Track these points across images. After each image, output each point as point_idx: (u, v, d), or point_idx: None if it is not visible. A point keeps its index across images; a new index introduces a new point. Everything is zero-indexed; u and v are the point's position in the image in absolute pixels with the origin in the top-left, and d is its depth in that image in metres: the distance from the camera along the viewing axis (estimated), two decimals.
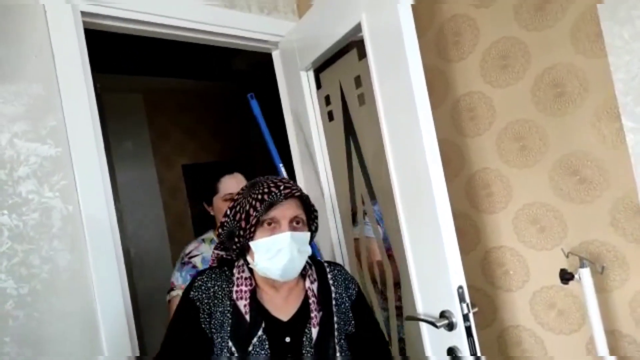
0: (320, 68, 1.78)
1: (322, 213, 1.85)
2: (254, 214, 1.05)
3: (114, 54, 2.93)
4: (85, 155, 1.32)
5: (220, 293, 1.10)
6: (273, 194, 1.06)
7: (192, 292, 1.10)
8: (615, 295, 1.29)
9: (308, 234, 1.11)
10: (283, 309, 1.11)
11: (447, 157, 1.63)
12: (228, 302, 1.08)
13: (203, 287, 1.11)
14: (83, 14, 1.37)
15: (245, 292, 1.09)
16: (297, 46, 1.81)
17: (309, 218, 1.15)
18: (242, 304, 1.07)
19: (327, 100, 1.79)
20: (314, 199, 1.89)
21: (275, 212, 1.06)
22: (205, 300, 1.08)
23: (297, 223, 1.08)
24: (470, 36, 1.54)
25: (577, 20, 1.30)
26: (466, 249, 1.63)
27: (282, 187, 1.08)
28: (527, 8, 1.40)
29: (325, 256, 1.89)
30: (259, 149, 5.05)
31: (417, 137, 1.26)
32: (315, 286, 1.14)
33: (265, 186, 1.09)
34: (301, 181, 1.98)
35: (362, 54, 1.52)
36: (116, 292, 1.34)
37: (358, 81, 1.62)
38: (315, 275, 1.17)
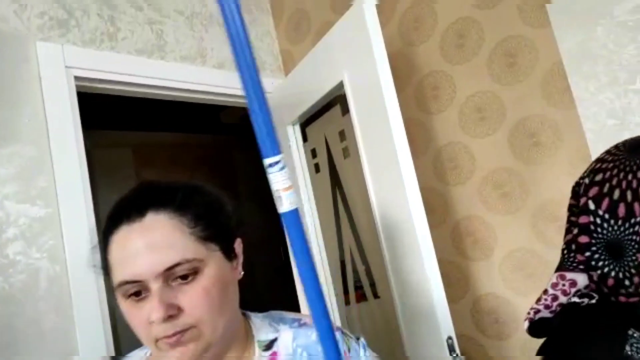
0: (306, 122, 1.85)
1: None
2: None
3: (103, 110, 3.00)
4: (74, 214, 1.33)
5: None
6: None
7: None
8: None
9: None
10: None
11: (432, 205, 1.67)
12: None
13: None
14: (77, 78, 1.42)
15: None
16: (283, 102, 1.88)
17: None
18: None
19: (314, 153, 1.84)
20: None
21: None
22: None
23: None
24: (448, 90, 1.62)
25: (546, 75, 1.39)
26: (455, 297, 1.63)
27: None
28: (499, 64, 1.48)
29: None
30: (247, 200, 5.07)
31: (400, 187, 1.30)
32: None
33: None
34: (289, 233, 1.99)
35: (346, 109, 1.59)
36: (101, 354, 1.31)
37: (342, 135, 1.68)
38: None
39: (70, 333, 1.28)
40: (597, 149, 1.30)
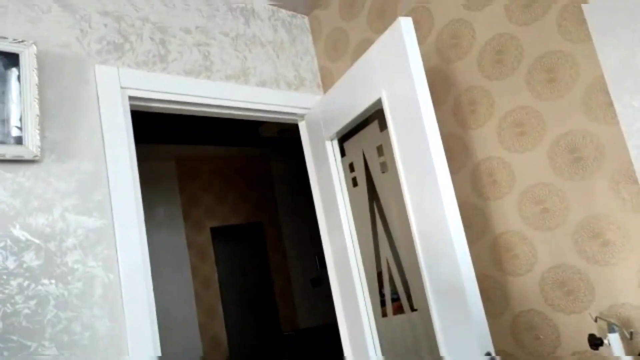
0: (344, 137, 1.89)
1: (348, 274, 1.88)
2: None
3: (149, 125, 3.15)
4: (127, 226, 1.42)
5: None
6: None
7: None
8: None
9: None
10: None
11: (470, 219, 1.67)
12: None
13: None
14: (131, 98, 1.52)
15: None
16: (322, 117, 1.94)
17: None
18: None
19: (351, 167, 1.88)
20: (340, 261, 1.94)
21: None
22: None
23: None
24: (486, 105, 1.63)
25: (587, 90, 1.38)
26: (495, 313, 1.62)
27: None
28: (539, 80, 1.48)
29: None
30: (285, 212, 5.15)
31: (437, 201, 1.32)
32: None
33: None
34: (327, 242, 2.03)
35: (384, 125, 1.62)
36: (149, 356, 1.38)
37: (380, 150, 1.71)
38: None
39: (122, 337, 1.36)
40: None
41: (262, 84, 1.92)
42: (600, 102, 1.35)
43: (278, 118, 2.03)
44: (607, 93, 1.33)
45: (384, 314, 1.87)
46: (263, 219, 4.95)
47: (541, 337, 1.51)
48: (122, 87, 1.50)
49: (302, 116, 2.08)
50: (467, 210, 1.68)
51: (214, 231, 4.58)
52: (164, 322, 3.84)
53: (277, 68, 2.00)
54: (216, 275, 4.51)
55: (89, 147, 1.43)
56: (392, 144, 1.49)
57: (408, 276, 1.70)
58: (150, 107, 1.63)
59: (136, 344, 1.36)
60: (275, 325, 4.85)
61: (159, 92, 1.59)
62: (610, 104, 1.32)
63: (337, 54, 2.13)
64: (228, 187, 4.76)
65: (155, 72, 1.61)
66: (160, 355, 1.46)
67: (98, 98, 1.45)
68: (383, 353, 1.83)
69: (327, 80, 2.14)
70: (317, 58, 2.21)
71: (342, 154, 1.92)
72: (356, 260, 1.88)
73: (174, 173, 4.39)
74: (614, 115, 1.32)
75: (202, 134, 3.89)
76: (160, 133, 3.68)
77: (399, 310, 1.84)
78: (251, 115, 1.93)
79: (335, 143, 1.92)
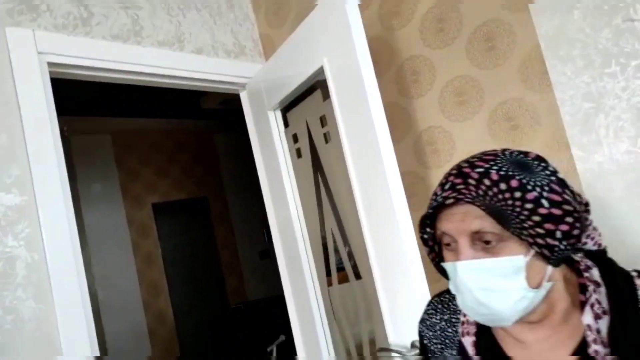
0: (287, 108, 1.84)
1: (294, 246, 1.87)
2: (426, 221, 0.79)
3: (81, 96, 2.93)
4: (51, 202, 1.31)
5: (449, 330, 0.85)
6: (438, 192, 0.76)
7: (420, 326, 0.92)
8: None
9: (511, 260, 0.68)
10: (538, 350, 0.75)
11: (412, 189, 1.69)
12: (456, 340, 0.82)
13: (428, 322, 0.90)
14: (50, 64, 1.38)
15: (471, 324, 0.81)
16: (264, 87, 1.87)
17: (524, 227, 0.66)
18: (469, 342, 0.79)
19: (295, 138, 1.84)
20: (286, 233, 1.92)
21: (444, 223, 0.74)
22: (434, 341, 0.87)
23: (486, 242, 0.69)
24: (428, 75, 1.63)
25: (524, 59, 1.40)
26: (436, 277, 1.67)
27: (450, 181, 0.74)
28: (478, 48, 1.49)
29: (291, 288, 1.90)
30: (230, 185, 5.05)
31: (380, 170, 1.31)
32: (604, 323, 0.69)
33: (449, 172, 0.77)
34: (272, 215, 2.00)
35: (327, 95, 1.58)
36: (83, 341, 1.31)
37: (323, 120, 1.68)
38: (605, 304, 0.70)
39: (50, 319, 1.27)
40: (573, 133, 1.32)
41: (199, 51, 1.81)
42: (536, 70, 1.38)
43: (217, 88, 1.94)
44: (543, 62, 1.36)
45: (330, 284, 1.88)
46: (208, 194, 4.83)
47: None
48: (39, 52, 1.36)
49: (243, 86, 2.00)
50: (410, 179, 1.69)
51: (156, 207, 4.42)
52: (105, 300, 3.71)
53: (215, 35, 1.89)
54: (159, 252, 4.39)
55: (3, 118, 1.29)
56: (335, 113, 1.46)
57: (353, 245, 1.71)
58: (74, 74, 1.49)
59: (67, 326, 1.28)
60: (223, 299, 4.82)
61: (82, 57, 1.45)
62: (545, 73, 1.35)
63: (279, 20, 2.04)
64: (169, 162, 4.59)
65: (77, 37, 1.47)
66: (97, 336, 1.39)
67: (11, 64, 1.31)
68: (329, 321, 1.85)
69: (268, 49, 2.06)
70: (258, 25, 2.12)
71: (286, 124, 1.87)
72: (302, 232, 1.87)
73: (110, 147, 4.16)
74: (548, 84, 1.36)
75: (139, 107, 3.69)
76: (94, 105, 3.46)
77: (344, 279, 1.86)
78: (188, 85, 1.83)
79: (278, 113, 1.87)
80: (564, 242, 0.67)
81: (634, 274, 0.74)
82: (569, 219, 0.67)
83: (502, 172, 0.68)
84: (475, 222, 0.69)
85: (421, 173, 1.68)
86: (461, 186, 0.70)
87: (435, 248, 0.82)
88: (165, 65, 1.67)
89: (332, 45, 1.43)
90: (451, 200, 0.70)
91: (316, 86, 1.66)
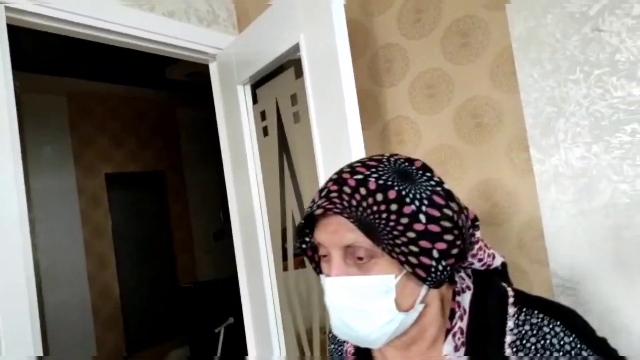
0: (258, 84, 1.80)
1: (252, 228, 1.84)
2: (305, 230, 0.72)
3: (37, 51, 2.76)
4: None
5: (339, 347, 0.82)
6: (315, 198, 0.68)
7: (328, 342, 0.87)
8: None
9: (381, 280, 0.62)
10: None
11: None
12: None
13: (331, 335, 0.86)
14: (7, 9, 1.29)
15: (350, 348, 0.78)
16: (235, 60, 1.82)
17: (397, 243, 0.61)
18: None
19: (263, 115, 1.81)
20: (245, 214, 1.89)
21: (319, 234, 0.68)
22: (335, 356, 0.83)
23: (359, 258, 0.64)
24: (401, 64, 1.64)
25: (496, 57, 1.43)
26: None
27: (328, 187, 0.67)
28: (453, 43, 1.51)
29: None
30: (189, 161, 4.93)
31: (347, 156, 1.31)
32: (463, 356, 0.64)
33: (331, 176, 0.69)
34: (232, 194, 1.96)
35: (299, 73, 1.56)
36: (22, 308, 1.24)
37: (294, 99, 1.65)
38: (465, 324, 0.66)
39: None
40: (533, 134, 1.37)
41: (170, 14, 1.74)
42: (505, 70, 1.41)
43: (187, 56, 1.87)
44: (513, 62, 1.39)
45: (285, 268, 1.87)
46: (165, 168, 4.70)
47: None
48: None
49: (213, 57, 1.94)
50: None
51: (109, 177, 4.26)
52: (48, 270, 3.55)
53: None
54: (110, 224, 4.23)
55: None
56: (307, 93, 1.44)
57: None
58: (33, 23, 1.39)
59: (6, 290, 1.21)
60: (173, 278, 4.73)
61: (44, 6, 1.36)
62: (514, 73, 1.39)
63: None
64: (126, 131, 4.41)
65: None
66: (40, 306, 1.32)
67: None
68: (281, 306, 1.84)
69: (243, 20, 2.01)
70: None
71: (254, 100, 1.83)
72: (261, 214, 1.84)
73: (65, 110, 3.95)
74: (515, 84, 1.39)
75: (99, 69, 3.52)
76: (50, 63, 3.27)
77: (300, 265, 1.86)
78: (155, 49, 1.75)
79: (248, 88, 1.83)
80: (443, 262, 0.61)
81: (511, 299, 0.68)
82: (448, 237, 0.61)
83: (380, 182, 0.62)
84: (347, 236, 0.63)
85: None
86: (334, 194, 0.63)
87: (315, 258, 0.74)
88: (133, 25, 1.59)
89: (310, 23, 1.41)
90: (320, 211, 0.63)
91: (289, 64, 1.63)
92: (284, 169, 1.76)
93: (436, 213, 0.61)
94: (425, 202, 0.61)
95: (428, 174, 0.66)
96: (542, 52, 1.35)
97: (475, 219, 0.71)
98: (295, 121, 1.67)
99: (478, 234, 0.71)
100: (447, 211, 0.62)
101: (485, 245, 0.72)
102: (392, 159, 0.68)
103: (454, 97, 1.52)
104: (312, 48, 1.41)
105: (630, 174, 1.24)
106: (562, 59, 1.33)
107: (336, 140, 1.35)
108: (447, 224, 0.61)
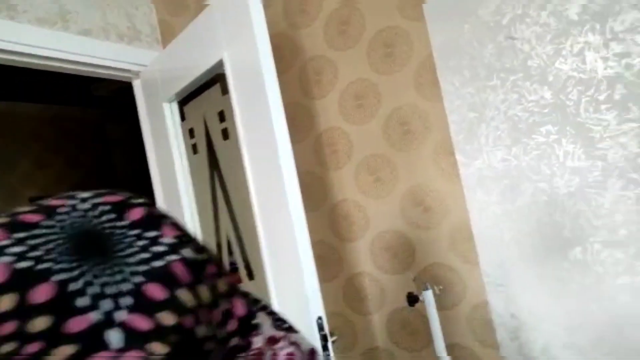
0: (184, 100, 1.75)
1: None
2: None
3: None
4: None
5: None
6: None
7: None
8: (455, 312, 1.44)
9: None
10: None
11: (311, 189, 1.70)
12: None
13: None
14: None
15: None
16: (159, 77, 1.76)
17: None
18: None
19: (191, 133, 1.76)
20: None
21: None
22: None
23: None
24: (330, 76, 1.65)
25: (419, 67, 1.47)
26: (329, 277, 1.69)
27: None
28: (378, 53, 1.54)
29: None
30: (124, 178, 4.73)
31: (277, 171, 1.29)
32: None
33: None
34: None
35: (226, 89, 1.52)
36: None
37: (222, 115, 1.62)
38: None
39: None
40: (458, 140, 1.42)
41: (86, 32, 1.65)
42: (429, 79, 1.45)
43: (107, 74, 1.78)
44: (435, 71, 1.44)
45: None
46: (98, 188, 4.47)
47: (369, 297, 1.62)
48: None
49: (137, 74, 1.86)
50: (309, 180, 1.71)
51: (35, 201, 3.99)
52: None
53: (106, 16, 1.74)
54: None
55: None
56: (234, 109, 1.41)
57: (247, 246, 1.67)
58: None
59: None
60: None
61: None
62: (437, 82, 1.43)
63: (179, 8, 1.94)
64: (52, 152, 4.16)
65: None
66: None
67: None
68: None
69: (167, 36, 1.95)
70: (156, 10, 1.99)
71: (182, 118, 1.78)
72: (195, 231, 1.79)
73: None
74: (439, 92, 1.44)
75: (16, 90, 3.30)
76: None
77: (236, 280, 1.82)
78: (72, 69, 1.66)
79: (175, 106, 1.77)
80: None
81: None
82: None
83: (22, 265, 0.30)
84: None
85: (320, 173, 1.69)
86: None
87: None
88: (45, 46, 1.50)
89: (233, 38, 1.38)
90: None
91: (215, 79, 1.59)
92: (215, 186, 1.72)
93: (144, 325, 0.31)
94: (127, 300, 0.31)
95: (153, 233, 0.35)
96: (461, 60, 1.40)
97: (249, 316, 0.40)
98: (224, 138, 1.63)
99: (258, 340, 0.40)
100: (167, 317, 0.31)
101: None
102: (86, 204, 0.37)
103: (382, 106, 1.55)
104: (236, 64, 1.39)
105: (547, 173, 1.31)
106: (480, 66, 1.38)
107: (265, 156, 1.33)
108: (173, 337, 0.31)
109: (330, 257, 1.69)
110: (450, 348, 1.38)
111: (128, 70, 1.81)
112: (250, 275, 1.69)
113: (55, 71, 1.65)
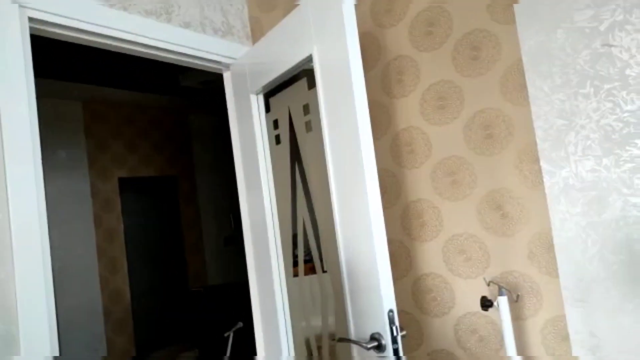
0: (270, 93, 1.83)
1: (264, 234, 1.87)
2: None
3: (54, 57, 2.83)
4: (20, 164, 1.27)
5: None
6: None
7: None
8: (528, 323, 1.41)
9: None
10: None
11: (385, 186, 1.72)
12: None
13: None
14: (31, 19, 1.34)
15: None
16: (248, 70, 1.86)
17: None
18: None
19: (275, 124, 1.84)
20: (256, 220, 1.92)
21: None
22: None
23: None
24: (412, 76, 1.66)
25: (506, 71, 1.45)
26: (398, 275, 1.71)
27: None
28: (464, 56, 1.53)
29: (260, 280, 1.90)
30: (201, 167, 4.98)
31: (358, 166, 1.33)
32: None
33: None
34: (244, 201, 1.99)
35: (312, 84, 1.59)
36: (40, 310, 1.27)
37: (306, 109, 1.68)
38: None
39: (9, 284, 1.24)
40: (543, 147, 1.38)
41: (186, 25, 1.78)
42: (515, 83, 1.43)
43: (202, 65, 1.91)
44: (523, 75, 1.41)
45: (295, 274, 1.89)
46: (177, 173, 4.75)
47: (438, 298, 1.62)
48: (20, 6, 1.31)
49: (227, 66, 1.98)
50: (384, 177, 1.73)
51: (123, 182, 4.32)
52: (60, 273, 3.61)
53: (204, 10, 1.87)
54: (122, 228, 4.29)
55: None
56: (319, 103, 1.47)
57: (322, 238, 1.72)
58: (56, 33, 1.44)
59: (26, 291, 1.25)
60: (183, 282, 4.77)
61: (66, 17, 1.41)
62: (524, 86, 1.40)
63: (270, 4, 2.03)
64: (140, 136, 4.48)
65: None
66: (55, 305, 1.36)
67: None
68: (291, 311, 1.86)
69: (256, 32, 2.05)
70: (248, 7, 2.10)
71: (267, 109, 1.87)
72: (273, 220, 1.87)
73: (81, 115, 4.03)
74: (526, 97, 1.41)
75: (114, 76, 3.59)
76: (67, 69, 3.34)
77: (310, 271, 1.88)
78: (172, 58, 1.80)
79: (261, 98, 1.86)
80: None
81: None
82: None
83: None
84: None
85: (396, 172, 1.71)
86: None
87: None
88: (151, 36, 1.64)
89: (323, 35, 1.44)
90: None
91: (302, 74, 1.66)
92: (295, 177, 1.79)
93: None
94: None
95: None
96: (552, 66, 1.37)
97: None
98: (307, 130, 1.70)
99: None
100: None
101: None
102: None
103: (465, 108, 1.54)
104: (324, 60, 1.44)
105: None
106: (573, 73, 1.34)
107: (347, 150, 1.37)
108: None
109: (401, 256, 1.71)
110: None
111: (220, 62, 1.93)
112: (323, 269, 1.74)
113: (156, 59, 1.79)
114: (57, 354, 1.31)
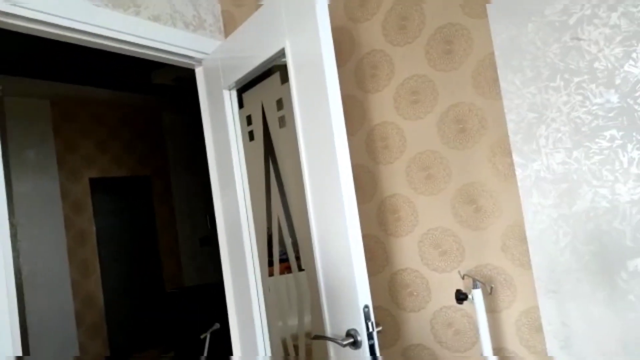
0: (244, 88, 1.80)
1: (238, 233, 1.83)
2: None
3: (19, 54, 2.73)
4: None
5: None
6: None
7: None
8: (503, 315, 1.42)
9: None
10: None
11: (361, 182, 1.71)
12: None
13: None
14: None
15: None
16: (221, 65, 1.82)
17: None
18: None
19: (249, 120, 1.81)
20: (231, 219, 1.89)
21: None
22: None
23: None
24: (386, 71, 1.65)
25: (478, 65, 1.45)
26: (375, 271, 1.70)
27: None
28: (437, 50, 1.53)
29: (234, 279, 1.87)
30: (175, 166, 4.90)
31: (333, 161, 1.31)
32: None
33: None
34: (218, 200, 1.96)
35: (285, 78, 1.56)
36: (1, 309, 1.22)
37: (280, 104, 1.66)
38: None
39: None
40: (515, 140, 1.39)
41: (156, 19, 1.73)
42: (488, 77, 1.43)
43: (173, 60, 1.86)
44: (495, 69, 1.42)
45: (271, 274, 1.87)
46: (150, 173, 4.66)
47: (415, 293, 1.62)
48: None
49: (199, 61, 1.93)
50: (359, 173, 1.72)
51: (94, 182, 4.21)
52: (30, 276, 3.49)
53: (174, 4, 1.82)
54: (94, 230, 4.18)
55: None
56: (292, 98, 1.45)
57: (298, 236, 1.70)
58: (14, 25, 1.38)
59: None
60: (159, 284, 4.68)
61: (24, 7, 1.35)
62: (496, 80, 1.41)
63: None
64: (111, 136, 4.37)
65: None
66: (20, 312, 1.30)
67: None
68: (267, 311, 1.83)
69: (229, 26, 2.01)
70: (221, 0, 2.06)
71: (240, 105, 1.83)
72: (247, 219, 1.84)
73: (48, 113, 3.91)
74: (498, 91, 1.42)
75: (84, 73, 3.49)
76: (34, 66, 3.23)
77: (286, 270, 1.85)
78: (141, 53, 1.75)
79: (234, 93, 1.83)
80: None
81: None
82: None
83: None
84: None
85: (371, 167, 1.70)
86: None
87: None
88: (118, 29, 1.59)
89: (296, 29, 1.42)
90: None
91: (275, 69, 1.64)
92: (269, 174, 1.76)
93: None
94: None
95: None
96: (523, 60, 1.38)
97: None
98: (280, 126, 1.67)
99: None
100: None
101: None
102: None
103: (438, 103, 1.54)
104: (297, 54, 1.42)
105: (610, 179, 1.26)
106: (543, 66, 1.35)
107: (321, 145, 1.36)
108: None
109: (377, 251, 1.70)
110: (496, 352, 1.35)
111: (192, 57, 1.88)
112: (300, 267, 1.72)
113: (124, 54, 1.74)
114: (19, 354, 1.25)
